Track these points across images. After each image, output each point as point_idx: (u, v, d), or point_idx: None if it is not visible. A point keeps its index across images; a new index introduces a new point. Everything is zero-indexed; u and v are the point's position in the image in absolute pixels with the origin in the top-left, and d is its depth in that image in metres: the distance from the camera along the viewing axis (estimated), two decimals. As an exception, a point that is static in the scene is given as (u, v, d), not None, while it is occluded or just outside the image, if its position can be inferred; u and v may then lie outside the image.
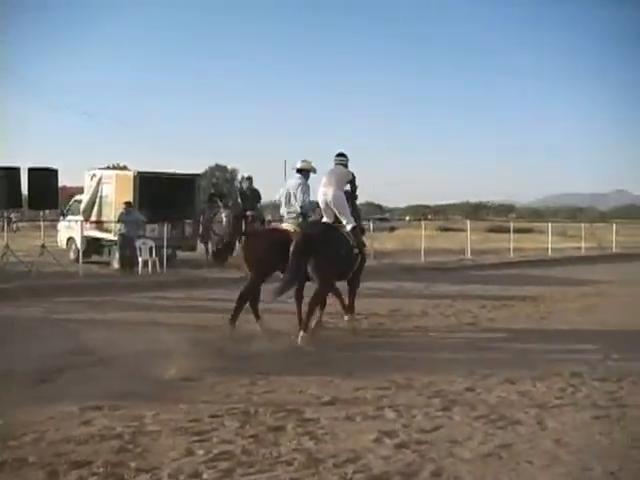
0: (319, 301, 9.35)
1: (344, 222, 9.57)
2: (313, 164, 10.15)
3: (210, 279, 16.11)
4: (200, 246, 20.28)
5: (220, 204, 20.24)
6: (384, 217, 65.84)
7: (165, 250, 18.05)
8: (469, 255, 25.35)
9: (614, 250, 30.91)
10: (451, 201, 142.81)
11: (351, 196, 10.04)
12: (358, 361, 8.11)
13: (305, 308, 9.22)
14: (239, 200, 20.17)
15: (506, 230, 33.42)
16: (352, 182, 10.07)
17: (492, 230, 44.15)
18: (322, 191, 9.69)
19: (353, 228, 9.57)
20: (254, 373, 7.24)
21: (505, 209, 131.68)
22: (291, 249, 8.85)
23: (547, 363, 8.02)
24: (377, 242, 25.12)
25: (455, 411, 6.07)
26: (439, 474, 4.62)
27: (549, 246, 28.98)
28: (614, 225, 34.75)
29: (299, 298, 9.58)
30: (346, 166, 10.05)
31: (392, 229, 51.44)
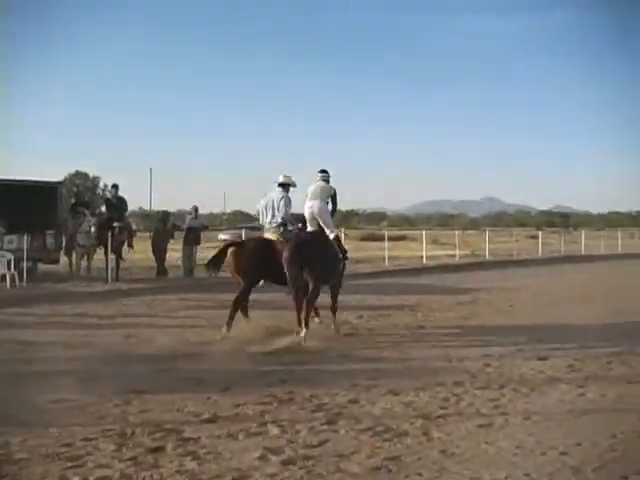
0: (314, 300, 10.47)
1: (327, 231, 10.94)
2: (293, 179, 11.48)
3: (75, 293, 15.70)
4: (63, 258, 19.70)
5: (87, 213, 19.72)
6: (255, 226, 65.72)
7: (25, 263, 17.34)
8: (344, 264, 25.50)
9: (487, 257, 31.94)
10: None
11: (332, 208, 11.36)
12: (234, 376, 8.04)
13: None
14: (104, 209, 19.80)
15: (380, 238, 34.05)
16: (334, 196, 11.30)
17: (365, 238, 44.98)
18: (309, 204, 11.02)
19: (335, 237, 11.09)
20: (128, 392, 7.07)
21: (377, 217, 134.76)
22: (284, 257, 10.14)
23: (429, 372, 8.22)
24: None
25: (340, 424, 6.12)
26: (328, 490, 4.66)
27: (424, 254, 29.66)
28: (487, 232, 35.94)
29: (299, 300, 10.39)
30: (328, 181, 11.36)
31: (263, 239, 51.46)
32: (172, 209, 47.06)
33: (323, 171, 11.39)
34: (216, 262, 11.04)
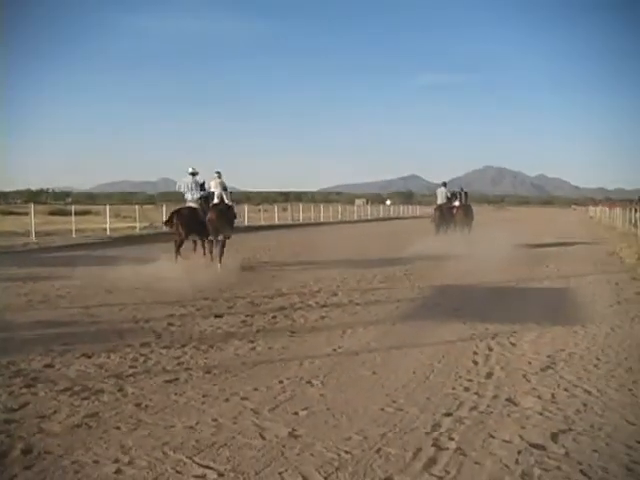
0: (225, 245, 15.38)
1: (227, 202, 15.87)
2: (197, 169, 15.93)
3: None
4: None
5: None
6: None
7: None
8: (34, 238, 24.16)
9: (165, 228, 31.60)
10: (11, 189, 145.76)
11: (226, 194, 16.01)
12: None
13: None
14: None
15: (67, 213, 32.58)
16: (225, 188, 15.97)
17: (53, 213, 43.13)
18: (215, 191, 15.79)
19: (231, 206, 16.25)
20: None
21: (63, 195, 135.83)
22: (209, 219, 15.10)
23: (118, 335, 8.01)
24: None
25: (39, 387, 5.78)
26: (30, 451, 4.40)
27: (107, 226, 28.92)
28: (164, 207, 35.78)
29: (211, 250, 15.68)
30: (220, 177, 16.01)
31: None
32: None
33: (218, 172, 16.05)
34: (170, 223, 15.33)
